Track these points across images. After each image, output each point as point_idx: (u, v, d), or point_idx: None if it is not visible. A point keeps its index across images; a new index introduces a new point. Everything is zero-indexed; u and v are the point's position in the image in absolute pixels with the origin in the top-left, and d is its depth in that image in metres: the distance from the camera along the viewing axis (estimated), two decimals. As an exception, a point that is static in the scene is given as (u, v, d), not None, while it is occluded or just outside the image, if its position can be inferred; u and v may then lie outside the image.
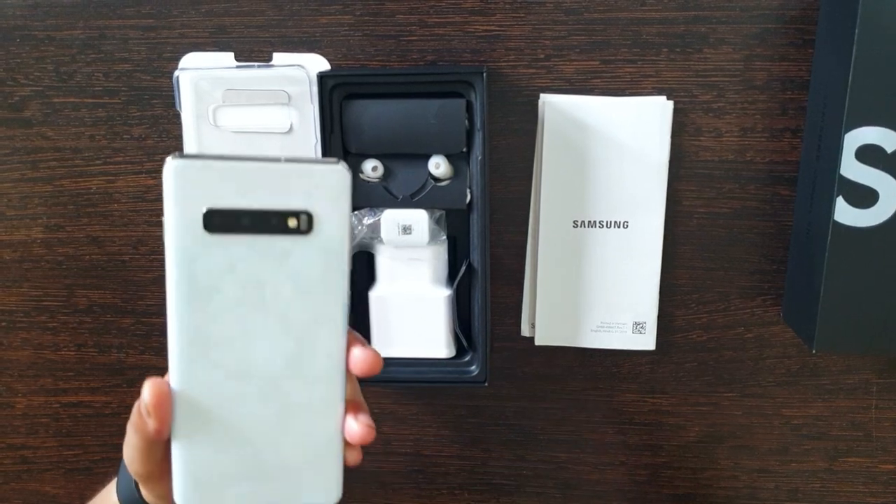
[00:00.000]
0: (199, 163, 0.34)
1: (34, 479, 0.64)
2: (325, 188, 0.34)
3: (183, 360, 0.36)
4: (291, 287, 0.35)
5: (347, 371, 0.38)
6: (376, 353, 0.38)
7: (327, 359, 0.36)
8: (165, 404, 0.36)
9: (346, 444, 0.38)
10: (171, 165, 0.33)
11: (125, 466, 0.45)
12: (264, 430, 0.37)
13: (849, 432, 0.59)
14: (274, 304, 0.35)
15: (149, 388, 0.35)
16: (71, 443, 0.63)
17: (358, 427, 0.38)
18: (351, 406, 0.38)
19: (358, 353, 0.37)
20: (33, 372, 0.62)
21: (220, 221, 0.34)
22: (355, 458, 0.39)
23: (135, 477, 0.40)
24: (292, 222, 0.34)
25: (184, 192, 0.34)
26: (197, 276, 0.34)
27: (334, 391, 0.37)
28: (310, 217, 0.34)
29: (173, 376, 0.36)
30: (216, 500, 0.37)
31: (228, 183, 0.34)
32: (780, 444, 0.60)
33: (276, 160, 0.34)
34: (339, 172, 0.34)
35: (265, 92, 0.54)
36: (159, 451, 0.39)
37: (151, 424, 0.36)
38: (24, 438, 0.63)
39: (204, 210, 0.34)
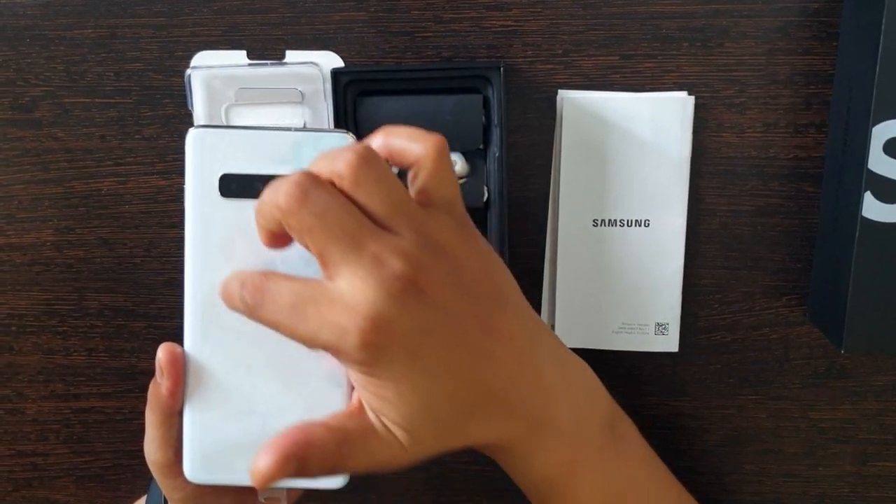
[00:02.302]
0: (216, 131, 0.37)
1: (45, 487, 0.63)
2: None
3: (196, 321, 0.37)
4: (299, 252, 0.36)
5: None
6: None
7: None
8: (178, 363, 0.37)
9: None
10: (191, 134, 0.36)
11: (155, 485, 0.45)
12: (272, 401, 0.38)
13: (878, 435, 0.58)
14: (283, 269, 0.37)
15: (162, 348, 0.38)
16: (82, 449, 0.62)
17: None
18: None
19: None
20: (43, 377, 0.61)
21: (234, 186, 0.36)
22: None
23: (157, 472, 0.40)
24: None
25: (202, 159, 0.36)
26: (212, 238, 0.37)
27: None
28: None
29: (187, 339, 0.38)
30: (223, 470, 0.38)
31: (243, 150, 0.36)
32: (807, 447, 0.58)
33: (288, 129, 0.37)
34: (345, 141, 0.37)
35: (278, 90, 0.53)
36: (176, 433, 0.39)
37: (164, 385, 0.37)
38: (34, 445, 0.62)
39: (220, 175, 0.36)
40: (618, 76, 0.53)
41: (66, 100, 0.55)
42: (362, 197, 0.33)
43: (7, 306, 0.59)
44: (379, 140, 0.37)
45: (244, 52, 0.54)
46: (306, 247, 0.33)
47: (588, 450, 0.39)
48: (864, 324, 0.50)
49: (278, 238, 0.35)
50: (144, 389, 0.38)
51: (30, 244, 0.58)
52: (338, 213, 0.33)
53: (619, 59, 0.53)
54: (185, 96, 0.54)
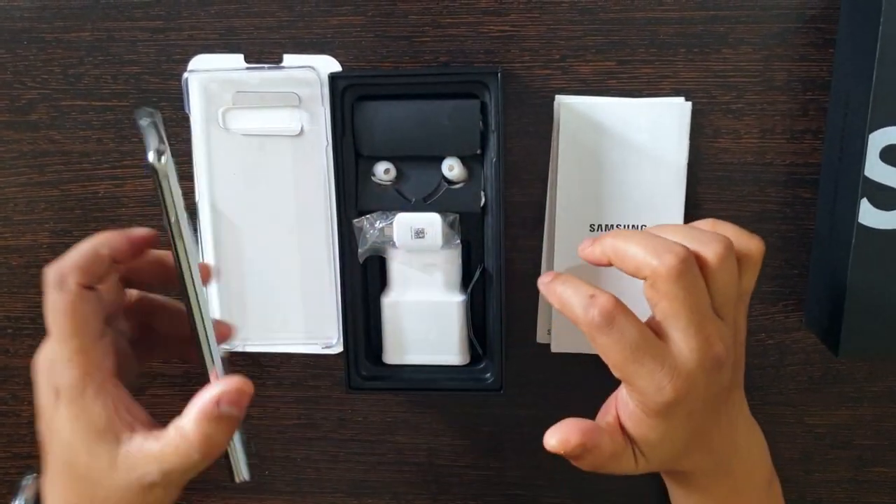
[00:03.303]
0: None
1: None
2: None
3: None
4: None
5: None
6: (206, 264, 0.48)
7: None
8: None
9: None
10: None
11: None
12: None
13: (874, 441, 0.58)
14: None
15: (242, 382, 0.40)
16: (77, 452, 0.62)
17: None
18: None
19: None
20: (39, 380, 0.61)
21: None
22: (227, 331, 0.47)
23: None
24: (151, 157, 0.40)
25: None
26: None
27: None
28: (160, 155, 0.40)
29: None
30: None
31: None
32: (803, 453, 0.58)
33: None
34: (153, 115, 0.42)
35: (275, 94, 0.53)
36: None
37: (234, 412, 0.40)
38: (29, 447, 0.62)
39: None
40: (615, 82, 0.53)
41: (63, 103, 0.55)
42: (715, 282, 0.40)
43: (3, 309, 0.59)
44: (708, 225, 0.43)
45: (241, 56, 0.54)
46: (654, 304, 0.39)
47: (749, 498, 0.47)
48: (860, 329, 0.50)
49: (602, 263, 0.43)
50: (138, 393, 0.38)
51: (26, 246, 0.58)
52: (700, 291, 0.39)
53: (616, 64, 0.53)
54: (182, 99, 0.54)
